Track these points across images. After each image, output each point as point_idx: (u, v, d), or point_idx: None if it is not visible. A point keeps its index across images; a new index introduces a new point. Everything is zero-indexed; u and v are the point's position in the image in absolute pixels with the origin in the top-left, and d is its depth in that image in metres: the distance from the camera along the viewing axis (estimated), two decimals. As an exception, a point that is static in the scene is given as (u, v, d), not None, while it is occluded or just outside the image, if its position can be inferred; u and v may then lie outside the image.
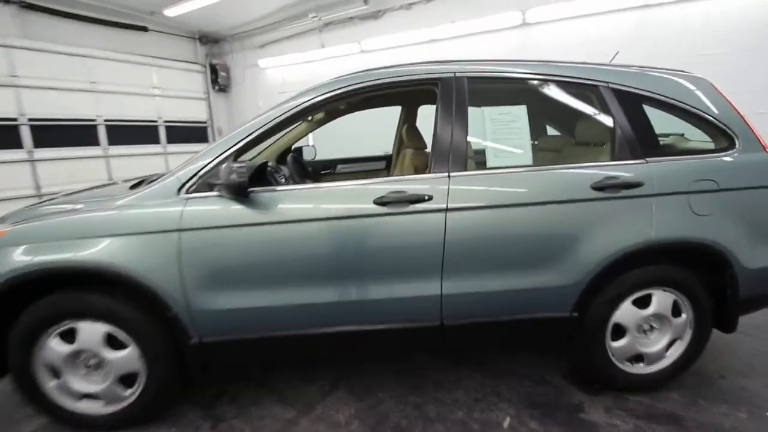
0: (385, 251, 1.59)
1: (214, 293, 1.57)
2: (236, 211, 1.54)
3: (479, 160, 1.69)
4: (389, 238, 1.59)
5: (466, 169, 1.63)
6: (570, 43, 4.60)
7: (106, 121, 6.35)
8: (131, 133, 6.69)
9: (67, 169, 5.95)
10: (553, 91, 1.84)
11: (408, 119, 3.00)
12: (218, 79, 7.60)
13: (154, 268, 1.51)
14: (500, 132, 1.68)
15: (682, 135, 2.09)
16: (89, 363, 1.64)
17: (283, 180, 2.37)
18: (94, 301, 1.55)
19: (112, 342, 1.60)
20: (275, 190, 1.60)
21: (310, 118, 2.76)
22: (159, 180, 1.62)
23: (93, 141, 6.28)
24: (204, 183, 1.57)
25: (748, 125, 1.81)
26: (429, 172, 1.64)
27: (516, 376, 2.02)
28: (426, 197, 1.57)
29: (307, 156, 3.23)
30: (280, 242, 1.56)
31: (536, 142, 2.29)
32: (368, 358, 2.20)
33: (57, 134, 5.85)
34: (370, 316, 1.65)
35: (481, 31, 5.09)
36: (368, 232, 1.58)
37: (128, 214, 1.54)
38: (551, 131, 2.62)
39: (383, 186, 1.61)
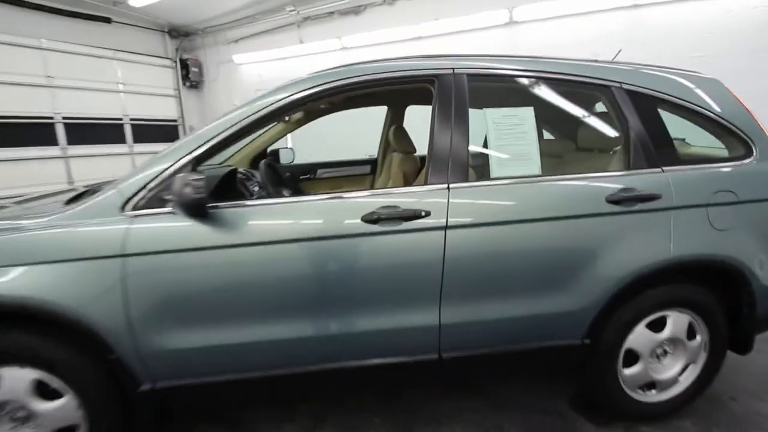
0: (375, 276, 1.36)
1: (168, 330, 1.30)
2: (195, 231, 1.28)
3: (481, 169, 1.49)
4: (380, 260, 1.36)
5: (467, 180, 1.42)
6: (558, 42, 4.48)
7: (64, 118, 5.86)
8: (93, 132, 6.21)
9: (20, 170, 5.46)
10: (560, 91, 1.65)
11: (395, 120, 2.78)
12: (189, 75, 7.18)
13: (91, 302, 1.23)
14: (505, 137, 1.47)
15: (683, 140, 1.95)
16: (16, 416, 1.34)
17: (256, 189, 2.11)
18: (17, 343, 1.26)
19: (46, 390, 1.32)
20: (244, 205, 1.35)
21: (287, 118, 2.50)
22: (99, 193, 1.34)
23: (50, 140, 5.79)
24: (155, 198, 1.30)
25: (764, 131, 1.67)
26: (425, 183, 1.42)
27: (518, 405, 1.83)
28: (422, 213, 1.35)
29: (284, 160, 2.97)
30: (250, 268, 1.31)
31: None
32: (354, 390, 1.97)
33: (9, 133, 5.35)
34: (358, 351, 1.42)
35: (466, 29, 4.93)
36: (355, 255, 1.35)
37: (57, 236, 1.25)
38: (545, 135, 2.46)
39: (372, 199, 1.38)
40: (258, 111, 1.40)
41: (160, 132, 7.09)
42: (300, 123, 2.72)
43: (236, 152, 2.75)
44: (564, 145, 2.11)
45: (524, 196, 1.43)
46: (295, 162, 3.05)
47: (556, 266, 1.45)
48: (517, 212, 1.41)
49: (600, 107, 1.76)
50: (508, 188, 1.43)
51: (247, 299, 1.32)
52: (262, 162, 1.87)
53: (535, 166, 1.47)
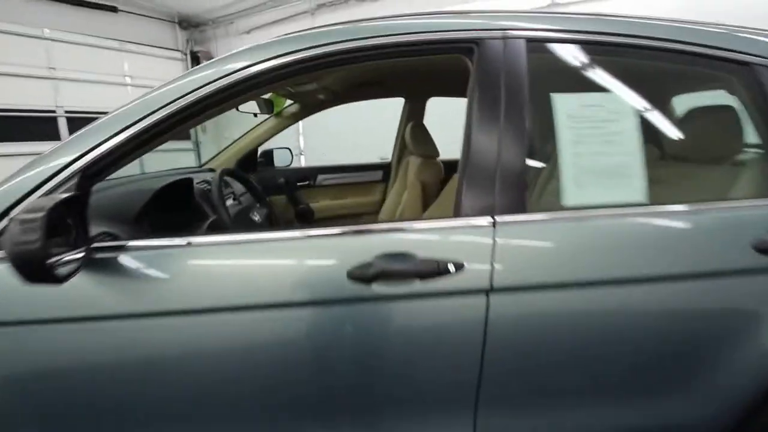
0: (367, 371, 0.84)
1: None
2: (68, 289, 0.78)
3: (547, 191, 0.94)
4: (377, 346, 0.83)
5: (525, 209, 0.87)
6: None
7: (67, 112, 5.57)
8: (98, 127, 5.91)
9: (21, 166, 5.20)
10: (663, 70, 1.08)
11: (413, 115, 2.25)
12: (200, 68, 6.80)
13: None
14: (587, 139, 0.91)
15: None
16: None
17: (230, 202, 1.61)
18: None
19: None
20: (148, 247, 0.82)
21: (272, 106, 2.00)
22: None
23: (52, 135, 5.51)
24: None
25: None
26: (457, 213, 0.87)
27: None
28: (450, 266, 0.81)
29: (280, 162, 2.47)
30: (153, 352, 0.80)
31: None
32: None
33: (8, 127, 5.09)
34: None
35: (499, 14, 4.32)
36: (336, 336, 0.82)
37: None
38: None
39: (368, 239, 0.84)
40: (197, 89, 0.88)
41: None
42: (296, 117, 2.22)
43: (219, 153, 2.28)
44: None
45: (621, 240, 0.86)
46: (308, 164, 2.58)
47: (668, 354, 0.88)
48: (609, 266, 0.84)
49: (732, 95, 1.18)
50: (594, 225, 0.87)
51: (150, 400, 0.82)
52: (219, 170, 1.35)
53: (637, 188, 0.90)
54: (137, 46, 6.23)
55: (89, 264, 0.78)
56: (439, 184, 1.85)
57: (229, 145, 2.30)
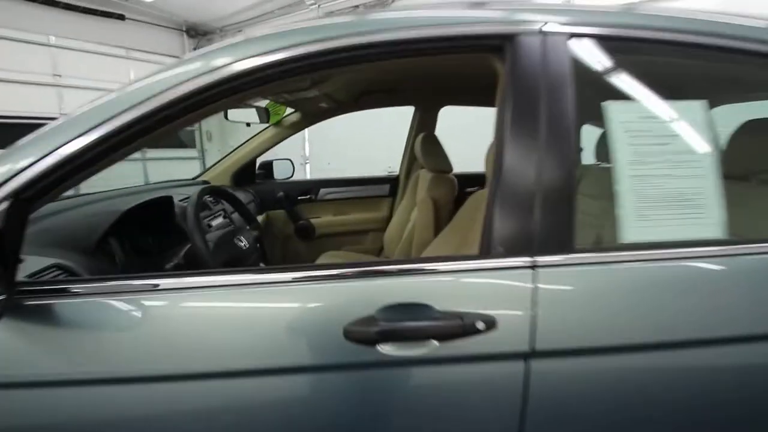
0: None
1: None
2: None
3: (600, 224, 0.75)
4: (380, 424, 0.64)
5: (573, 249, 0.68)
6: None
7: (70, 120, 5.52)
8: (102, 135, 5.84)
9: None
10: (736, 73, 0.90)
11: (423, 125, 2.08)
12: (207, 77, 6.74)
13: None
14: (649, 158, 0.72)
15: None
16: None
17: (218, 221, 1.45)
18: None
19: None
20: (93, 291, 0.64)
21: (268, 115, 1.85)
22: None
23: (55, 142, 5.45)
24: None
25: None
26: (483, 252, 0.69)
27: None
28: (479, 324, 0.62)
29: (280, 174, 2.31)
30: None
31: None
32: None
33: (11, 134, 4.98)
34: None
35: (512, 22, 4.16)
36: (327, 413, 0.63)
37: None
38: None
39: (370, 285, 0.66)
40: (173, 87, 0.68)
41: (177, 136, 6.67)
42: (298, 126, 2.06)
43: (215, 164, 2.13)
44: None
45: (699, 287, 0.67)
46: (313, 171, 2.41)
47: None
48: (688, 322, 0.65)
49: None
50: (664, 268, 0.67)
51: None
52: (198, 190, 1.15)
53: (713, 222, 0.71)
54: (144, 53, 6.20)
55: (14, 313, 0.61)
56: (452, 203, 1.67)
57: (226, 156, 2.15)
